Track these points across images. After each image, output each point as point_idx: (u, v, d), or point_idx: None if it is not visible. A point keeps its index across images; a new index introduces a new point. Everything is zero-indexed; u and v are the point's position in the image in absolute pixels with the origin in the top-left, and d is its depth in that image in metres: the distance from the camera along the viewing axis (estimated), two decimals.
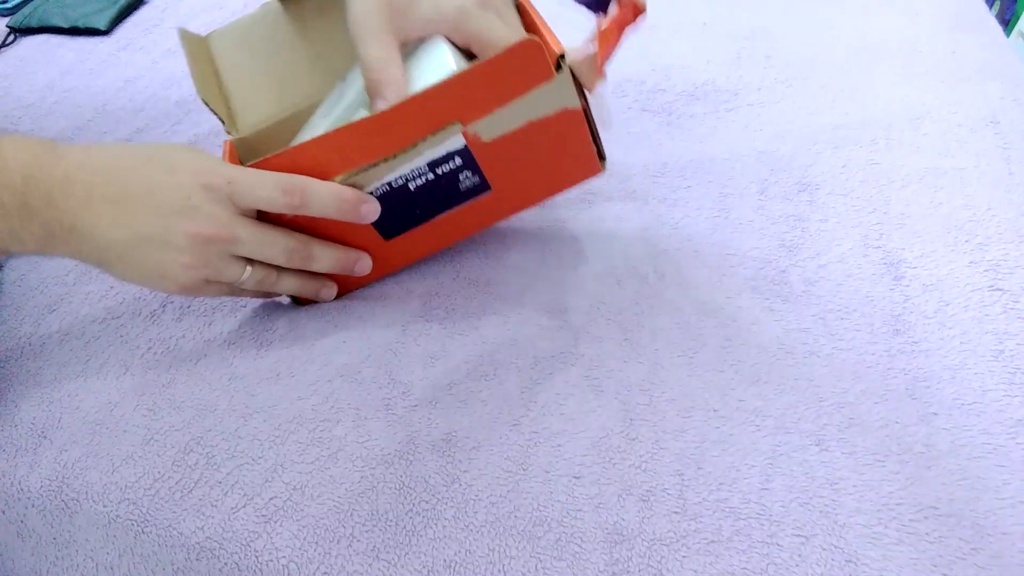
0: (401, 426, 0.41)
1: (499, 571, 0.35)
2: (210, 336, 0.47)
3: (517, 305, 0.47)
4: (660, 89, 0.64)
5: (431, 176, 0.43)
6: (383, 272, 0.49)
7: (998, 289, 0.46)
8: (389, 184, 0.42)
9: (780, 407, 0.41)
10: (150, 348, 0.47)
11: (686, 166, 0.56)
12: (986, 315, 0.44)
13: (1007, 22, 1.48)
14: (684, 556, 0.35)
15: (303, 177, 0.41)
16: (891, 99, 0.61)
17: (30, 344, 0.48)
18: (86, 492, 0.39)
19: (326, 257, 0.45)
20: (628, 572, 0.35)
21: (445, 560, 0.35)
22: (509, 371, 0.43)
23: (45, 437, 0.42)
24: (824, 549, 0.35)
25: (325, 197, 0.41)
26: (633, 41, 0.70)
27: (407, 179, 0.42)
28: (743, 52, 0.68)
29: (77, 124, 0.66)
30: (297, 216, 0.42)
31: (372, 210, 0.43)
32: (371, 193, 0.43)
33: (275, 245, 0.42)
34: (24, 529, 0.39)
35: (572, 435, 0.40)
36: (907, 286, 0.46)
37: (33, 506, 0.39)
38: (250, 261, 0.43)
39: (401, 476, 0.38)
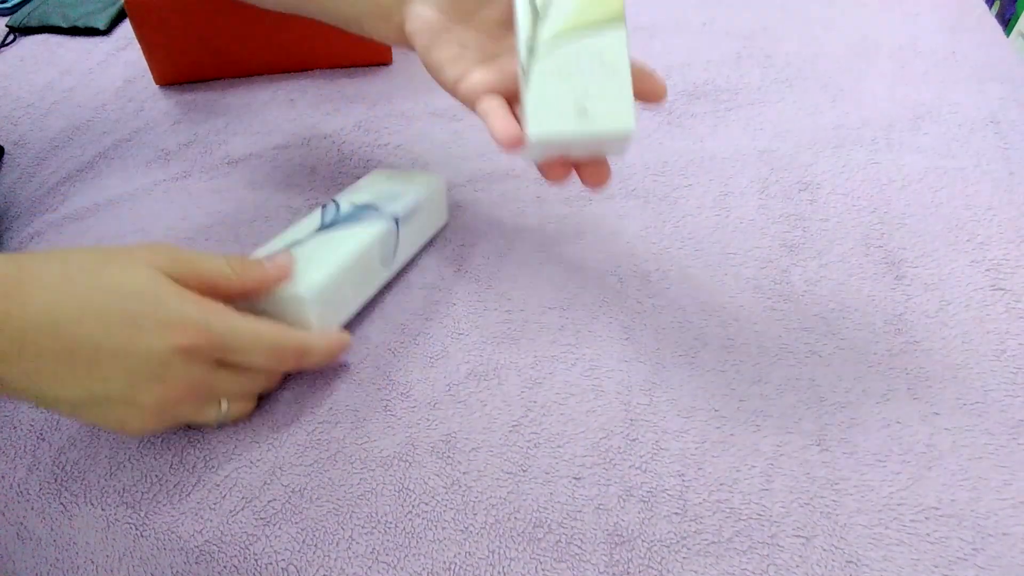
0: (400, 428, 0.40)
1: (499, 573, 0.35)
2: None
3: (518, 304, 0.47)
4: None
5: None
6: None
7: (999, 289, 0.45)
8: None
9: (781, 407, 0.40)
10: None
11: (687, 165, 0.56)
12: (987, 315, 0.44)
13: (1007, 22, 1.48)
14: (685, 557, 0.35)
15: (302, 342, 0.39)
16: (891, 99, 0.61)
17: None
18: (85, 494, 0.39)
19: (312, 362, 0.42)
20: (629, 574, 0.34)
21: (445, 563, 0.35)
22: (509, 371, 0.43)
23: (43, 439, 0.41)
24: (825, 550, 0.35)
25: (318, 357, 0.40)
26: (634, 41, 0.70)
27: None
28: (743, 52, 0.68)
29: (76, 124, 0.66)
30: None
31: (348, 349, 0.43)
32: None
33: (256, 385, 0.40)
34: (24, 531, 0.39)
35: (572, 436, 0.40)
36: (908, 286, 0.46)
37: (32, 508, 0.39)
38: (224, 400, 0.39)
39: (400, 478, 0.38)
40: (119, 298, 0.33)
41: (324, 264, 0.42)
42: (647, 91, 0.40)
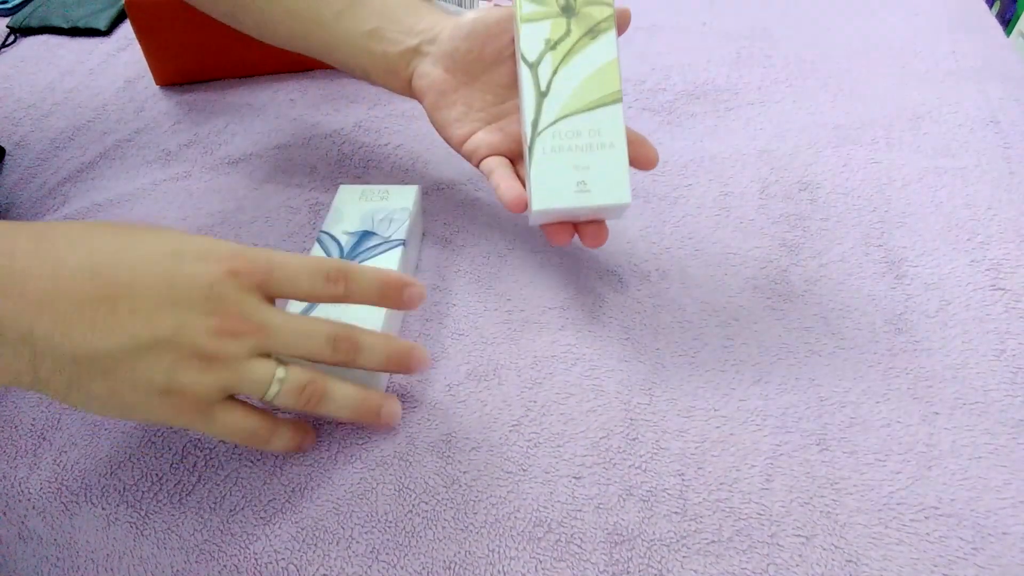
0: (400, 428, 0.40)
1: (499, 572, 0.35)
2: None
3: (518, 304, 0.47)
4: (660, 88, 0.64)
5: None
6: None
7: (999, 288, 0.45)
8: None
9: (781, 406, 0.40)
10: None
11: (687, 164, 0.56)
12: (987, 314, 0.44)
13: (1007, 22, 1.48)
14: (684, 557, 0.35)
15: (343, 261, 0.36)
16: (891, 99, 0.61)
17: None
18: (86, 494, 0.39)
19: (378, 348, 0.36)
20: (628, 573, 0.34)
21: (444, 561, 0.35)
22: (509, 372, 0.43)
23: (44, 439, 0.41)
24: (825, 549, 0.35)
25: (369, 283, 0.36)
26: (634, 41, 0.70)
27: None
28: (743, 52, 0.68)
29: (77, 124, 0.66)
30: None
31: (417, 294, 0.37)
32: None
33: (314, 334, 0.35)
34: (25, 531, 0.39)
35: (572, 435, 0.40)
36: (908, 285, 0.46)
37: (33, 508, 0.39)
38: (280, 364, 0.34)
39: (400, 477, 0.38)
40: (154, 238, 0.32)
41: (371, 311, 0.40)
42: (641, 158, 0.43)
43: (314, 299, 0.36)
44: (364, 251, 0.44)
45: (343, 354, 0.35)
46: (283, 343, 0.34)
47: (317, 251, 0.44)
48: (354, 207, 0.48)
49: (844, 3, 0.74)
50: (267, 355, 0.34)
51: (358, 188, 0.49)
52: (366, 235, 0.45)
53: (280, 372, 0.34)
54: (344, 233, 0.46)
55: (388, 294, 0.37)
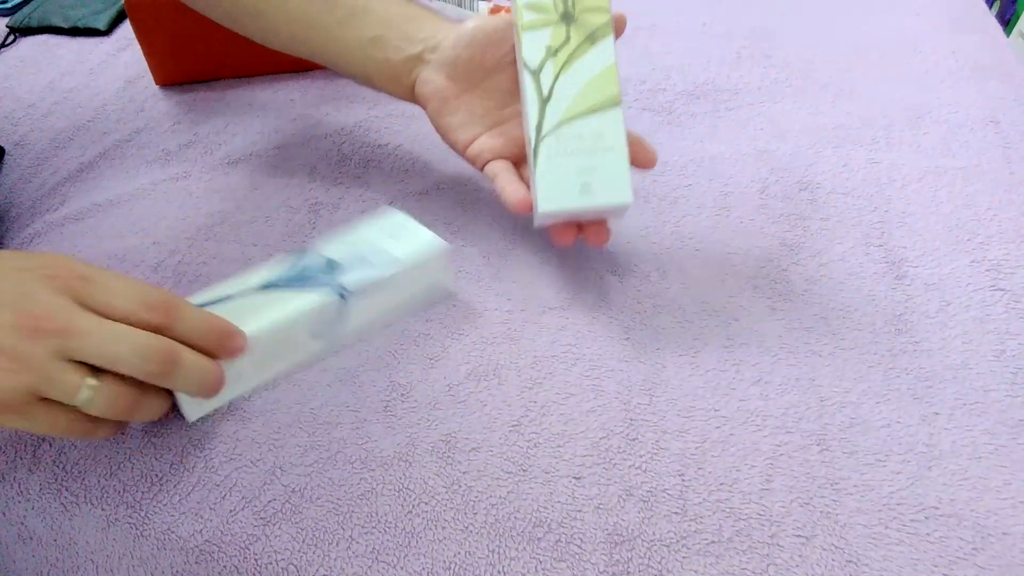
0: (400, 428, 0.40)
1: (499, 573, 0.35)
2: None
3: (518, 304, 0.47)
4: (660, 88, 0.64)
5: None
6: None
7: (999, 289, 0.45)
8: None
9: (782, 407, 0.40)
10: None
11: (687, 165, 0.56)
12: (988, 315, 0.44)
13: (1007, 22, 1.48)
14: (685, 557, 0.35)
15: (172, 297, 0.36)
16: (891, 99, 0.61)
17: None
18: (85, 494, 0.39)
19: (195, 371, 0.36)
20: (628, 573, 0.34)
21: (445, 562, 0.35)
22: (509, 372, 0.43)
23: (44, 439, 0.41)
24: (825, 549, 0.35)
25: (194, 325, 0.36)
26: (634, 41, 0.70)
27: None
28: (743, 52, 0.68)
29: (77, 124, 0.66)
30: None
31: (240, 347, 0.38)
32: None
33: (126, 342, 0.33)
34: (24, 531, 0.39)
35: (572, 436, 0.40)
36: (909, 285, 0.46)
37: (33, 508, 0.39)
38: (95, 373, 0.33)
39: (400, 478, 0.38)
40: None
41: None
42: (641, 159, 0.45)
43: (127, 322, 0.34)
44: (300, 283, 0.42)
45: (157, 370, 0.34)
46: (91, 350, 0.32)
47: (276, 264, 0.43)
48: (366, 235, 0.45)
49: (844, 3, 0.74)
50: (79, 361, 0.33)
51: (395, 217, 0.46)
52: (331, 266, 0.42)
53: (90, 380, 0.33)
54: (320, 256, 0.43)
55: (211, 339, 0.36)
